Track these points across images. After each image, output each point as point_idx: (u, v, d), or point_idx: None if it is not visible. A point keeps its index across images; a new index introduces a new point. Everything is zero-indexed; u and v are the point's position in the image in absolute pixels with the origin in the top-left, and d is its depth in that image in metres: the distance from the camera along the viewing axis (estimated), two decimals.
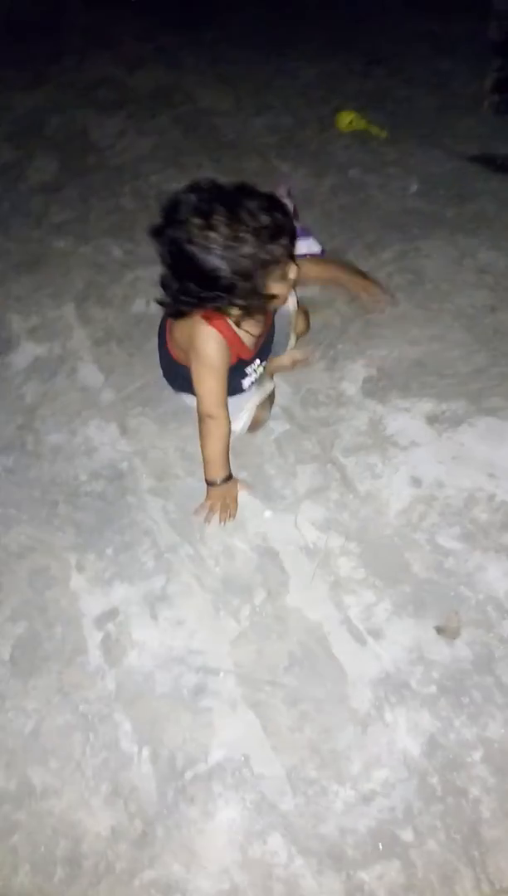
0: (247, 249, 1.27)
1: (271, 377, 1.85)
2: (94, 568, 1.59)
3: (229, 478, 1.64)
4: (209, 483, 1.62)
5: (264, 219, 1.26)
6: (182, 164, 2.89)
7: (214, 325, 1.42)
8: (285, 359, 1.91)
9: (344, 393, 1.91)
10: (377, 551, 1.57)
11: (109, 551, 1.61)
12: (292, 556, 1.57)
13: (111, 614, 1.51)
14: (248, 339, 1.52)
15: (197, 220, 1.25)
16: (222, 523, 1.63)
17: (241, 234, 1.25)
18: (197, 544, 1.61)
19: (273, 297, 1.37)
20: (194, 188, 1.29)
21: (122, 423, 1.88)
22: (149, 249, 1.38)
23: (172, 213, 1.28)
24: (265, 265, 1.30)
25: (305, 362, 1.96)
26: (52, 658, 1.45)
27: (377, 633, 1.44)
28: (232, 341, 1.47)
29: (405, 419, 1.82)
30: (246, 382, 1.64)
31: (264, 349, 1.66)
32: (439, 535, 1.58)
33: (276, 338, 1.78)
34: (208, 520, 1.63)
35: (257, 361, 1.62)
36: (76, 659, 1.45)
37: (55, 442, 1.86)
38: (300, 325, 1.88)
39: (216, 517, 1.63)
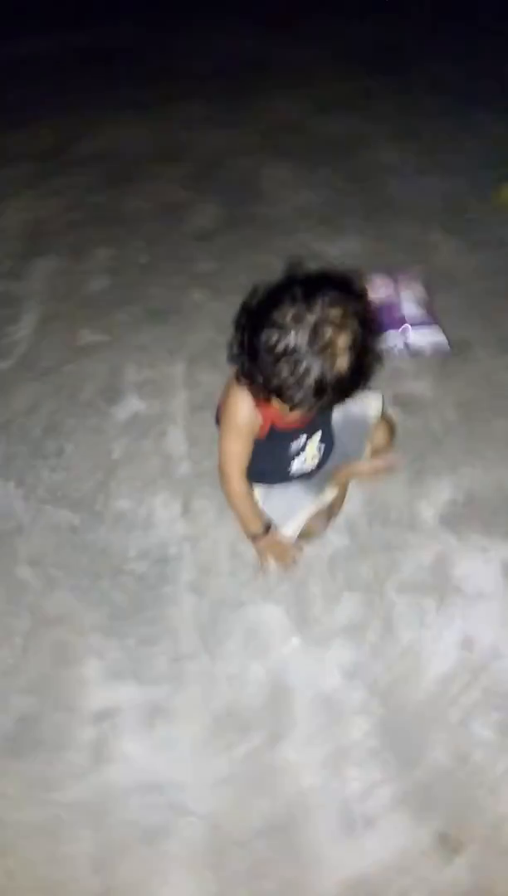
0: (301, 368, 1.11)
1: (339, 487, 1.64)
2: (111, 657, 1.50)
3: (269, 527, 1.54)
4: (250, 538, 1.56)
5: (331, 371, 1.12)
6: (338, 224, 2.71)
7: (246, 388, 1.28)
8: (363, 465, 1.70)
9: (419, 515, 1.66)
10: (401, 719, 1.34)
11: (131, 642, 1.52)
12: (307, 699, 1.39)
13: (110, 714, 1.41)
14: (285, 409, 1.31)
15: (291, 314, 1.12)
16: (285, 569, 1.58)
17: (305, 359, 1.11)
18: (216, 658, 1.47)
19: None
20: (319, 285, 1.14)
21: (187, 501, 1.78)
22: None
23: (279, 293, 1.15)
24: (290, 389, 1.14)
25: (387, 472, 1.73)
26: (45, 744, 1.38)
27: (369, 823, 1.22)
28: (263, 407, 1.32)
29: (479, 562, 1.55)
30: (295, 464, 1.48)
31: (320, 431, 1.49)
32: (476, 717, 1.32)
33: (349, 440, 1.60)
34: (266, 571, 1.58)
35: (304, 438, 1.46)
36: (65, 752, 1.37)
37: (120, 508, 1.79)
38: (380, 437, 1.66)
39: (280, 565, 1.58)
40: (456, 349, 2.06)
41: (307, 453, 1.50)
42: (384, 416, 1.68)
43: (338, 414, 1.64)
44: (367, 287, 2.18)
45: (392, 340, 2.04)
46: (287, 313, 1.12)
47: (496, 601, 1.48)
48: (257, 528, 1.54)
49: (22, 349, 2.30)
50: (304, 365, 1.11)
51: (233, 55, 4.31)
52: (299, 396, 1.14)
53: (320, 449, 1.52)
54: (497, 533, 1.60)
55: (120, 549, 1.70)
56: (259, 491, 1.60)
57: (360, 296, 1.21)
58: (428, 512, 1.66)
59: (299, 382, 1.12)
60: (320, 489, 1.61)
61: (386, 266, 2.30)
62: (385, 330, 2.07)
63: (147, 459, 1.91)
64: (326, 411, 1.40)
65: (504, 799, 1.22)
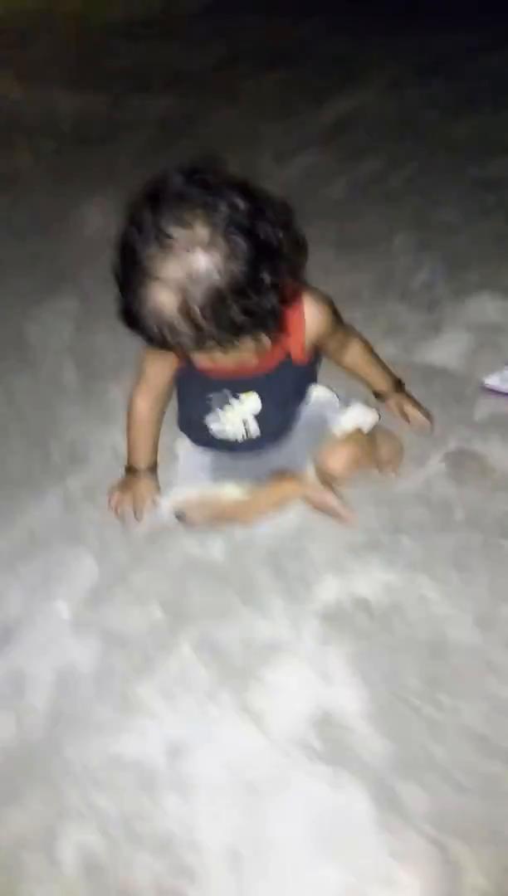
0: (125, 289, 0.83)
1: (262, 495, 1.25)
2: None
3: (147, 470, 1.32)
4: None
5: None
6: None
7: None
8: (309, 489, 1.26)
9: (312, 595, 1.18)
10: None
11: None
12: None
13: None
14: None
15: (136, 220, 0.81)
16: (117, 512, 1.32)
17: (126, 281, 0.82)
18: None
19: None
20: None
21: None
22: None
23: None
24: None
25: (338, 516, 1.26)
26: None
27: None
28: None
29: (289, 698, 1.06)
30: (212, 421, 1.18)
31: (259, 401, 1.14)
32: None
33: (299, 444, 1.24)
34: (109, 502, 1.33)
35: (228, 395, 1.13)
36: None
37: None
38: (335, 463, 1.22)
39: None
40: None
41: (229, 416, 1.16)
42: (355, 441, 1.20)
43: (313, 405, 1.23)
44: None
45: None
46: (135, 219, 0.81)
47: (258, 737, 1.00)
48: (133, 460, 1.31)
49: None
50: (127, 287, 0.82)
51: None
52: (131, 323, 0.84)
53: (252, 420, 1.17)
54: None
55: None
56: (184, 445, 1.31)
57: (253, 224, 0.80)
58: (331, 593, 1.17)
59: (126, 306, 0.83)
60: (237, 480, 1.25)
61: None
62: None
63: None
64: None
65: None
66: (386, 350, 1.55)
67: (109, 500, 1.32)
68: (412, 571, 1.17)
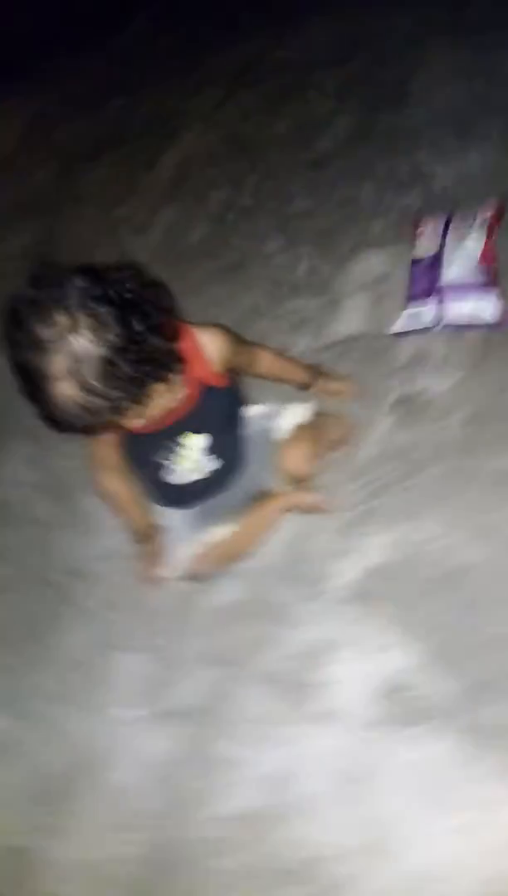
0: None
1: (246, 525, 1.33)
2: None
3: (151, 530, 1.38)
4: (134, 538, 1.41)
5: None
6: (473, 134, 2.02)
7: None
8: (292, 497, 1.34)
9: (331, 578, 1.25)
10: (163, 847, 1.09)
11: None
12: (108, 784, 1.21)
13: None
14: None
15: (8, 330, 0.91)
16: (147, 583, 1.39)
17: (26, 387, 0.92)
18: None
19: None
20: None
21: None
22: None
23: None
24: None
25: (322, 509, 1.34)
26: None
27: None
28: None
29: (357, 671, 1.12)
30: (173, 475, 1.24)
31: (203, 437, 1.21)
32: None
33: (256, 463, 1.31)
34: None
35: (171, 443, 1.20)
36: None
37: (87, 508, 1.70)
38: (294, 460, 1.29)
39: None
40: None
41: (182, 461, 1.23)
42: (303, 436, 1.29)
43: (252, 424, 1.32)
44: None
45: (422, 313, 1.49)
46: (8, 339, 0.91)
47: (340, 732, 1.06)
48: (134, 528, 1.38)
49: None
50: (34, 398, 0.92)
51: None
52: (55, 426, 0.94)
53: (206, 460, 1.24)
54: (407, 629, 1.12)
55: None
56: (160, 513, 1.40)
57: (104, 290, 0.90)
58: (343, 577, 1.24)
59: (43, 414, 0.92)
60: (219, 521, 1.33)
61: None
62: (416, 298, 1.52)
63: None
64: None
65: None
66: (299, 344, 1.66)
67: (138, 576, 1.40)
68: (404, 522, 1.25)
